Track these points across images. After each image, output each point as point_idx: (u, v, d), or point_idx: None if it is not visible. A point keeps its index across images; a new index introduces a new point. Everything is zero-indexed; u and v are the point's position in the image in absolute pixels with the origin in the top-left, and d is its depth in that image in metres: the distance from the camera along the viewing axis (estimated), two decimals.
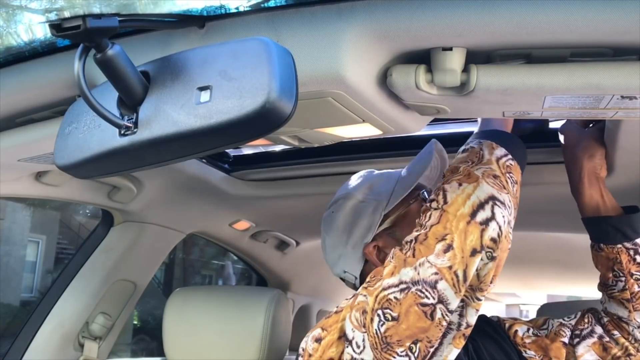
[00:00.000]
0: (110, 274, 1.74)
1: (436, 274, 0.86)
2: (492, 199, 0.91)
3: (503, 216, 0.90)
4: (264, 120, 0.55)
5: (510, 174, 0.97)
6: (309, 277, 2.62)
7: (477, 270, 0.89)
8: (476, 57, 0.75)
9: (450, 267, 0.86)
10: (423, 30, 0.69)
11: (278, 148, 1.63)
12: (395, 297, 0.87)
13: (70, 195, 1.53)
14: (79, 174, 0.71)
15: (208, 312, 1.58)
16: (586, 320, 1.17)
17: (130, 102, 0.62)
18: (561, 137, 1.26)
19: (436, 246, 0.88)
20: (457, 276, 0.86)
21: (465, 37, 0.69)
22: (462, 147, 1.05)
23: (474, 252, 0.87)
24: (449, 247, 0.87)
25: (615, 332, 1.13)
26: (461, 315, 0.92)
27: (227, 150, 1.70)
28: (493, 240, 0.88)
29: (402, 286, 0.87)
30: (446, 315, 0.87)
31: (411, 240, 0.91)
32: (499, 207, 0.90)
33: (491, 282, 0.92)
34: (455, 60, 0.73)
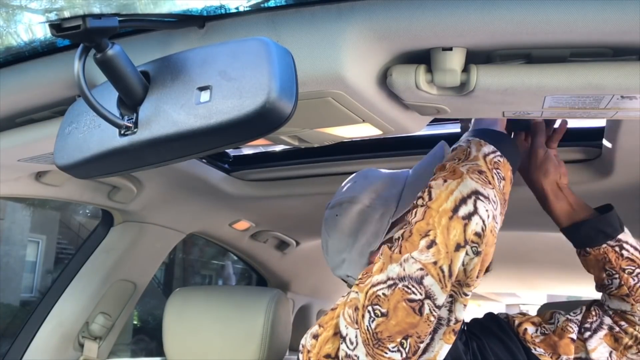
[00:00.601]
0: (110, 274, 1.74)
1: (421, 269, 0.86)
2: (475, 193, 0.90)
3: (487, 210, 0.89)
4: (264, 120, 0.55)
5: (498, 170, 0.96)
6: (309, 277, 2.62)
7: (463, 265, 0.89)
8: (476, 57, 0.75)
9: (435, 263, 0.86)
10: (423, 30, 0.69)
11: (278, 148, 1.63)
12: (383, 294, 0.87)
13: (70, 195, 1.53)
14: (79, 174, 0.71)
15: (208, 312, 1.58)
16: (593, 314, 1.17)
17: (130, 102, 0.62)
18: None
19: (420, 242, 0.87)
20: (442, 271, 0.86)
21: (465, 37, 0.69)
22: (452, 146, 1.05)
23: (458, 247, 0.87)
24: (432, 243, 0.87)
25: (623, 323, 1.14)
26: (450, 311, 0.92)
27: (227, 150, 1.70)
28: (477, 234, 0.88)
29: (390, 282, 0.87)
30: (434, 310, 0.87)
31: (398, 238, 0.92)
32: (482, 201, 0.89)
33: (477, 277, 0.92)
34: (455, 60, 0.73)
